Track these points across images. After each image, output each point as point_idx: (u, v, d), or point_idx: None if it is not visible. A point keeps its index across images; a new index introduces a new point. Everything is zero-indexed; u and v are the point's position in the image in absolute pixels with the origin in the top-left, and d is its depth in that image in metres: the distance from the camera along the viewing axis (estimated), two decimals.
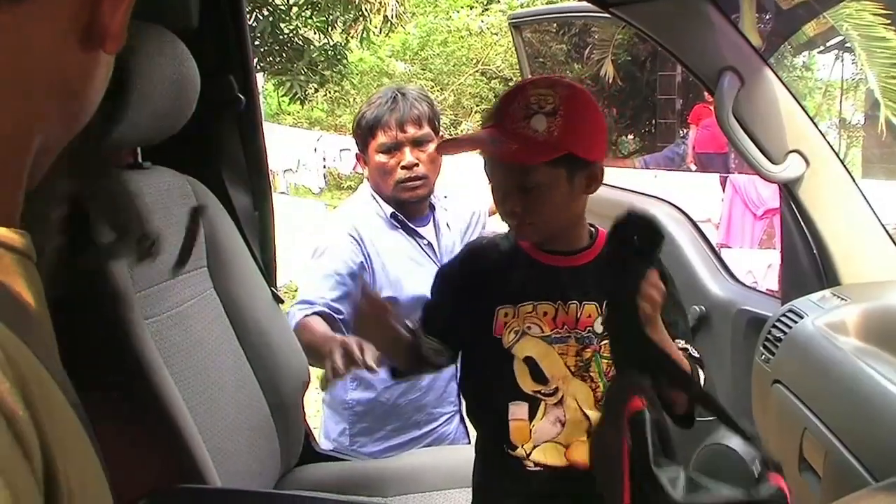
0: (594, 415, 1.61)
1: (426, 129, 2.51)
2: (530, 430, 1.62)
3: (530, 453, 1.62)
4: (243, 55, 2.21)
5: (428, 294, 1.99)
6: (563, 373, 1.62)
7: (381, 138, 2.49)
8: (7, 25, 0.62)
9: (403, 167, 2.48)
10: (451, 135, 12.66)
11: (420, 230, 2.58)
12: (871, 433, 1.48)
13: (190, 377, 1.71)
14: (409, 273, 2.50)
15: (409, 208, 2.55)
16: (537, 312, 1.61)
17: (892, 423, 1.43)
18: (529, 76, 3.58)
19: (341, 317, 2.30)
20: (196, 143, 2.02)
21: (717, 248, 2.79)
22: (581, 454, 1.62)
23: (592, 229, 1.70)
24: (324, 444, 2.53)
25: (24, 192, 0.69)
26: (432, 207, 2.64)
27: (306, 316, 2.28)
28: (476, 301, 1.63)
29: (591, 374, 1.63)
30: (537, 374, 1.61)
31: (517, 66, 13.24)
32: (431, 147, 2.50)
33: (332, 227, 2.60)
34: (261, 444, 1.95)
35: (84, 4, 0.64)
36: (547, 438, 1.62)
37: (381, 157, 2.51)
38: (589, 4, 2.32)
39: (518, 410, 1.62)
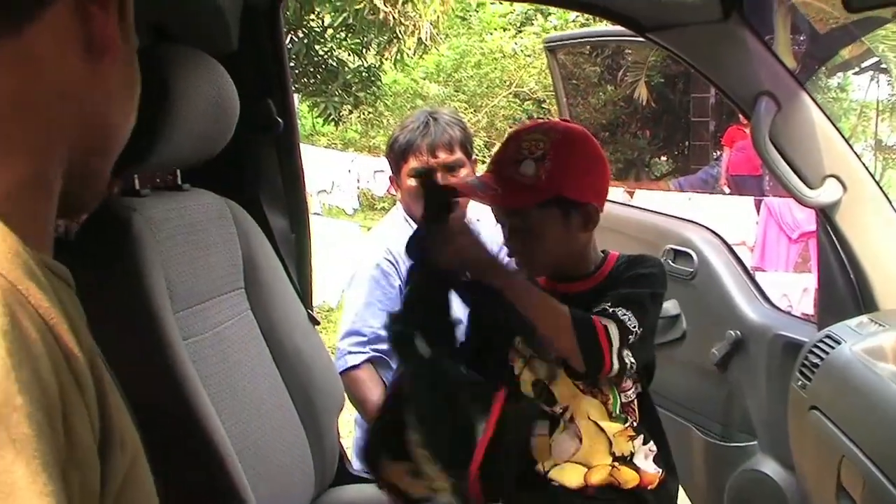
0: (609, 427, 1.66)
1: (458, 155, 2.50)
2: (550, 445, 1.66)
3: (549, 471, 1.64)
4: (282, 79, 2.24)
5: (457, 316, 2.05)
6: (572, 392, 1.67)
7: (413, 163, 2.48)
8: (18, 50, 0.65)
9: None
10: (484, 157, 12.70)
11: None
12: None
13: (226, 398, 1.72)
14: None
15: None
16: None
17: None
18: (564, 99, 3.60)
19: (386, 349, 2.30)
20: (234, 165, 2.05)
21: (752, 272, 2.78)
22: (601, 477, 1.64)
23: (602, 254, 1.75)
24: (356, 465, 2.54)
25: (53, 221, 0.71)
26: None
27: (356, 367, 2.34)
28: (490, 331, 1.72)
29: (602, 387, 1.67)
30: (546, 396, 1.67)
31: (551, 89, 13.28)
32: (463, 172, 2.50)
33: (367, 252, 2.60)
34: (295, 465, 1.96)
35: (77, 18, 0.67)
36: (568, 456, 1.66)
37: (413, 182, 2.46)
38: (624, 28, 2.32)
39: (538, 427, 1.67)
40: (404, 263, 2.43)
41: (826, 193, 2.07)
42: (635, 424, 1.69)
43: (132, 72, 0.77)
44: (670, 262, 2.74)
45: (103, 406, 0.61)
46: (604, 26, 3.76)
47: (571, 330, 1.55)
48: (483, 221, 2.68)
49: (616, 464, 1.66)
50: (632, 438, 1.68)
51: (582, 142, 1.67)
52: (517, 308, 1.57)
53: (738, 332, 2.49)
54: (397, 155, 2.54)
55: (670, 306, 2.73)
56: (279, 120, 2.18)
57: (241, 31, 2.03)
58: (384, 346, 2.30)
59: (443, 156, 2.48)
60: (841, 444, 1.70)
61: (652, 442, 1.72)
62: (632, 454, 1.68)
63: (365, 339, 2.35)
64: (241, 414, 1.77)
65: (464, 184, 1.66)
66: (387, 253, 2.47)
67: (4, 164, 0.65)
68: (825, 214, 2.11)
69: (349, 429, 3.05)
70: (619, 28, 2.45)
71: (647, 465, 1.70)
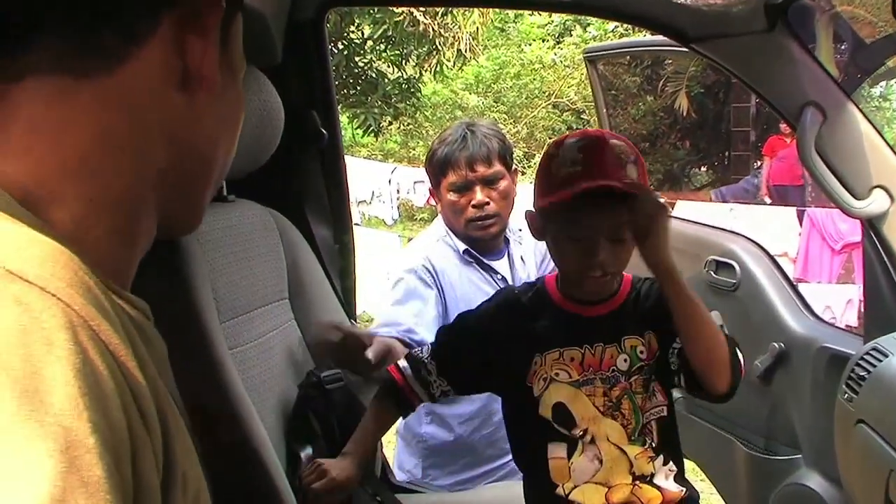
0: (630, 449, 1.65)
1: (497, 167, 2.47)
2: (569, 469, 1.66)
3: (570, 493, 1.64)
4: (326, 91, 2.26)
5: None
6: (592, 413, 1.66)
7: (452, 177, 2.46)
8: (109, 88, 0.65)
9: (474, 206, 2.45)
10: (523, 167, 12.69)
11: (494, 265, 2.56)
12: None
13: (270, 406, 1.74)
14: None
15: (483, 244, 2.53)
16: (564, 358, 1.67)
17: None
18: (604, 110, 3.59)
19: (416, 338, 2.29)
20: (279, 176, 2.07)
21: (795, 284, 2.75)
22: (623, 496, 1.64)
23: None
24: (398, 476, 2.55)
25: (140, 254, 0.73)
26: (507, 241, 2.62)
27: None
28: (509, 351, 1.69)
29: (623, 410, 1.67)
30: (566, 419, 1.66)
31: (590, 99, 13.25)
32: (503, 185, 2.48)
33: (407, 258, 2.60)
34: None
35: (173, 52, 0.68)
36: (587, 478, 1.66)
37: (453, 196, 2.48)
38: (665, 38, 2.32)
39: (556, 449, 1.66)
40: (443, 274, 2.44)
41: (874, 204, 2.04)
42: (654, 445, 1.68)
43: (235, 101, 0.77)
44: (712, 273, 2.72)
45: (168, 444, 0.61)
46: (644, 36, 3.75)
47: (724, 342, 1.61)
48: (525, 231, 2.69)
49: (638, 482, 1.66)
50: (652, 459, 1.67)
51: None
52: (687, 314, 1.60)
53: (782, 345, 2.47)
54: (436, 169, 2.53)
55: (713, 318, 2.72)
56: (324, 132, 2.20)
57: (286, 44, 2.05)
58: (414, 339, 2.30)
59: (481, 169, 2.45)
60: (889, 459, 1.68)
61: (672, 462, 1.72)
62: (652, 474, 1.67)
63: (393, 329, 2.34)
64: (285, 423, 1.79)
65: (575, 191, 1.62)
66: (426, 261, 2.46)
67: (90, 202, 0.65)
68: (872, 225, 2.09)
69: (388, 439, 3.07)
70: (659, 38, 2.45)
71: (669, 483, 1.69)
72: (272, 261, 1.90)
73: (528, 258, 2.67)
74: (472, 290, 2.48)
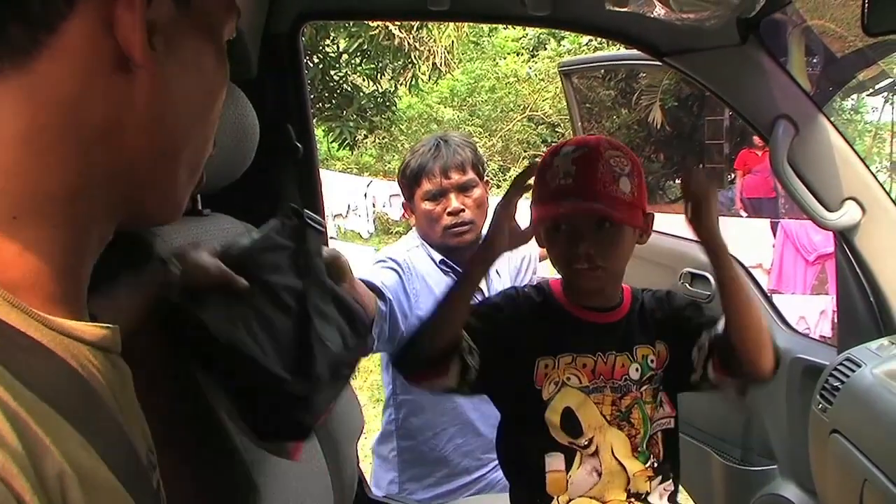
0: (631, 465, 1.65)
1: (470, 175, 2.52)
2: (567, 481, 1.65)
3: None
4: (301, 104, 2.26)
5: None
6: (599, 422, 1.65)
7: (426, 185, 2.50)
8: (33, 82, 0.60)
9: (450, 213, 2.49)
10: (498, 181, 12.72)
11: None
12: None
13: None
14: None
15: (459, 254, 2.54)
16: (576, 364, 1.66)
17: None
18: (579, 123, 3.61)
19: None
20: (255, 190, 2.06)
21: (769, 295, 2.77)
22: None
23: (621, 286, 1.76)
24: (375, 493, 2.54)
25: (88, 271, 0.67)
26: None
27: None
28: (513, 352, 1.67)
29: (633, 420, 1.67)
30: (573, 425, 1.64)
31: (565, 113, 13.30)
32: (477, 192, 2.52)
33: (389, 251, 2.62)
34: (315, 489, 1.95)
35: (101, 32, 0.61)
36: (583, 491, 1.65)
37: (428, 205, 2.52)
38: (639, 52, 2.34)
39: (554, 461, 1.65)
40: (421, 279, 2.46)
41: (845, 216, 2.07)
42: (656, 465, 1.68)
43: (212, 68, 0.71)
44: (687, 285, 2.74)
45: None
46: (618, 50, 3.77)
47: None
48: None
49: (632, 499, 1.66)
50: (650, 479, 1.67)
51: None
52: (734, 290, 1.61)
53: None
54: (410, 180, 2.56)
55: None
56: (299, 145, 2.19)
57: (261, 57, 2.04)
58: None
59: (455, 176, 2.49)
60: (863, 468, 1.69)
61: (670, 480, 1.72)
62: (647, 493, 1.67)
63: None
64: None
65: (559, 210, 1.62)
66: (407, 257, 2.51)
67: (20, 223, 0.60)
68: (844, 237, 2.11)
69: (364, 453, 3.06)
70: (633, 52, 2.46)
71: (661, 503, 1.70)
72: None
73: (503, 271, 2.69)
74: None
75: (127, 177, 0.66)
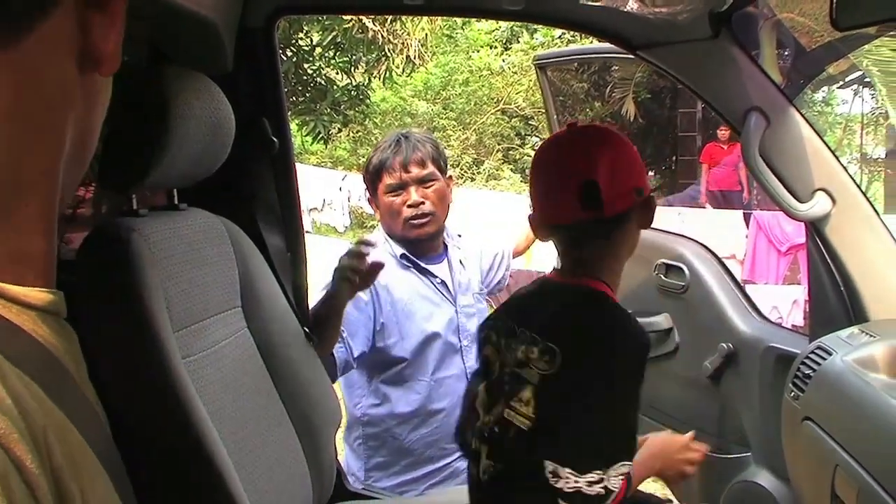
0: None
1: (430, 169, 2.61)
2: None
3: None
4: (277, 99, 2.26)
5: (437, 332, 2.39)
6: None
7: (387, 179, 2.61)
8: (17, 63, 0.61)
9: (410, 205, 2.58)
10: (472, 174, 12.73)
11: (432, 269, 2.66)
12: None
13: (225, 415, 1.73)
14: (420, 310, 2.59)
15: (421, 247, 2.64)
16: None
17: None
18: (555, 116, 3.63)
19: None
20: (230, 184, 2.07)
21: (742, 285, 2.81)
22: None
23: None
24: (353, 485, 2.56)
25: (55, 239, 0.68)
26: (446, 247, 2.72)
27: None
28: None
29: None
30: None
31: (538, 105, 13.33)
32: (436, 185, 2.61)
33: None
34: (294, 482, 1.96)
35: (77, 29, 0.64)
36: None
37: (389, 198, 2.62)
38: (613, 46, 2.36)
39: None
40: (380, 281, 2.48)
41: (816, 207, 2.10)
42: None
43: (110, 83, 0.74)
44: (662, 276, 2.77)
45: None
46: (592, 43, 3.79)
47: None
48: (466, 237, 2.75)
49: None
50: None
51: None
52: None
53: (731, 345, 2.51)
54: (372, 175, 2.67)
55: (662, 320, 2.76)
56: (274, 140, 2.20)
57: (236, 51, 2.04)
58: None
59: (415, 170, 2.60)
60: (834, 454, 1.72)
61: None
62: None
63: None
64: (240, 431, 1.78)
65: None
66: None
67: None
68: (815, 227, 2.14)
69: (341, 446, 3.08)
70: (608, 45, 2.49)
71: None
72: (224, 269, 1.89)
73: (470, 263, 2.75)
74: (410, 293, 2.60)
75: (69, 168, 0.68)
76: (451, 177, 2.75)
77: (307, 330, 2.22)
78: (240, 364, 1.88)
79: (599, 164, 1.58)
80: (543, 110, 12.11)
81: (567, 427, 1.53)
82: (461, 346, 2.62)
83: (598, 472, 1.48)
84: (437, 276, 2.66)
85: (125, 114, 1.63)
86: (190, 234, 1.81)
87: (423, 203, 2.59)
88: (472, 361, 2.49)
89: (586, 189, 1.56)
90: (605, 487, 1.48)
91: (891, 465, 1.53)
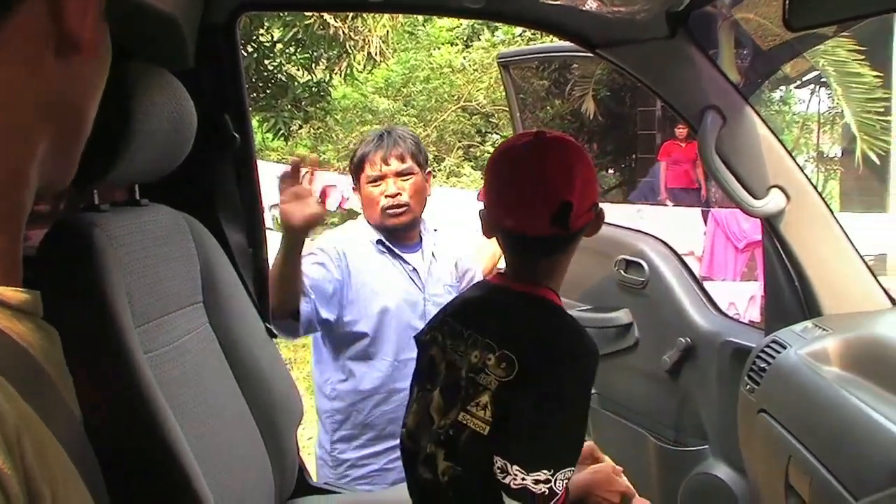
0: None
1: (409, 163, 2.75)
2: None
3: None
4: (238, 95, 2.26)
5: (402, 313, 2.53)
6: None
7: (368, 171, 2.75)
8: None
9: (387, 196, 2.72)
10: (433, 171, 12.71)
11: (406, 256, 2.80)
12: (855, 459, 1.52)
13: (187, 411, 1.73)
14: (387, 291, 2.73)
15: (398, 235, 2.79)
16: None
17: (875, 448, 1.48)
18: (518, 114, 3.66)
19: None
20: (192, 180, 2.06)
21: (700, 281, 2.85)
22: None
23: None
24: (319, 452, 2.82)
25: (21, 239, 0.67)
26: (422, 238, 2.86)
27: None
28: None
29: None
30: None
31: (499, 103, 13.34)
32: (414, 179, 2.75)
33: (321, 242, 2.85)
34: (256, 476, 1.97)
35: (49, 15, 0.63)
36: None
37: (369, 188, 2.76)
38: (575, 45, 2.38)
39: None
40: (353, 260, 2.73)
41: (771, 203, 2.14)
42: None
43: (107, 52, 0.74)
44: (622, 271, 2.81)
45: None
46: (554, 42, 3.81)
47: None
48: (440, 231, 2.82)
49: None
50: None
51: None
52: None
53: (689, 339, 2.55)
54: (356, 166, 2.81)
55: (622, 315, 2.81)
56: (236, 135, 2.20)
57: (198, 47, 2.04)
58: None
59: (394, 164, 2.74)
60: (789, 445, 1.76)
61: None
62: None
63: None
64: (202, 427, 1.78)
65: None
66: (337, 249, 2.74)
67: None
68: (770, 224, 2.18)
69: (305, 442, 3.09)
70: (571, 44, 2.51)
71: None
72: (186, 265, 1.89)
73: (444, 259, 2.89)
74: (380, 275, 2.75)
75: (50, 155, 0.68)
76: (430, 172, 2.91)
77: (269, 326, 2.23)
78: (202, 360, 1.88)
79: (575, 184, 1.59)
80: (505, 108, 12.08)
81: (521, 430, 1.56)
82: None
83: (546, 472, 1.51)
84: (409, 264, 2.79)
85: None
86: (152, 229, 1.80)
87: (399, 194, 2.74)
88: None
89: (563, 209, 1.57)
90: (551, 488, 1.51)
91: (842, 455, 1.57)
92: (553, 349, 1.60)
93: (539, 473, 1.51)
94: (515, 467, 1.52)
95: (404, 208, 2.74)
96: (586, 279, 2.94)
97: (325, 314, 2.66)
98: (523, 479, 1.51)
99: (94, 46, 0.67)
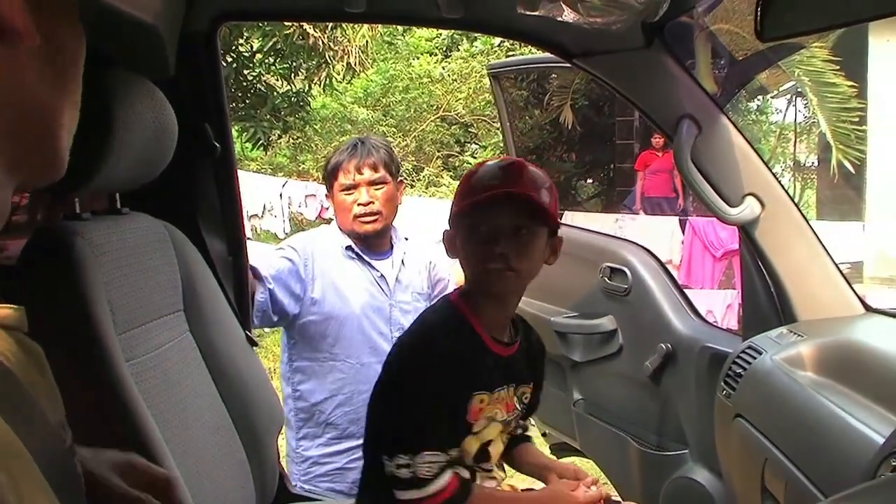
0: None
1: (382, 173, 2.80)
2: None
3: None
4: (219, 104, 2.27)
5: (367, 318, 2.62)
6: (500, 450, 1.80)
7: (342, 179, 2.80)
8: None
9: (360, 204, 2.78)
10: (412, 181, 12.73)
11: (375, 263, 2.86)
12: (829, 462, 1.55)
13: (169, 418, 1.73)
14: (353, 296, 2.80)
15: (368, 242, 2.85)
16: (500, 398, 1.75)
17: (848, 451, 1.50)
18: (508, 124, 3.71)
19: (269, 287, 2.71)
20: (173, 189, 2.07)
21: (681, 287, 2.88)
22: None
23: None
24: (287, 449, 2.91)
25: None
26: (392, 246, 2.92)
27: None
28: (455, 389, 1.69)
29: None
30: (485, 454, 1.76)
31: (478, 113, 13.35)
32: (386, 188, 2.81)
33: (293, 240, 2.94)
34: (237, 484, 1.97)
35: None
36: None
37: (342, 196, 2.82)
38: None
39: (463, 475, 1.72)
40: (321, 262, 2.80)
41: (746, 211, 2.17)
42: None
43: (66, 50, 0.72)
44: (607, 279, 2.83)
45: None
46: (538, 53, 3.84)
47: None
48: (411, 240, 2.86)
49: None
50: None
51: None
52: None
53: (669, 345, 2.57)
54: (330, 174, 2.87)
55: (607, 322, 2.82)
56: (216, 144, 2.21)
57: (178, 56, 2.05)
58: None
59: (367, 173, 2.80)
60: (764, 448, 1.78)
61: None
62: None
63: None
64: (183, 434, 1.78)
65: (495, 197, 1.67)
66: (306, 246, 2.84)
67: None
68: (745, 231, 2.21)
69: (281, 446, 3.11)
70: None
71: None
72: (166, 273, 1.90)
73: (415, 267, 2.95)
74: (347, 279, 2.82)
75: (19, 147, 0.68)
76: (402, 181, 2.97)
77: (248, 333, 2.23)
78: (183, 367, 1.89)
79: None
80: (483, 118, 12.06)
81: (379, 422, 1.74)
82: (392, 337, 2.81)
83: (405, 457, 1.62)
84: (378, 270, 2.85)
85: None
86: (133, 238, 1.81)
87: (372, 203, 2.79)
88: None
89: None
90: (415, 473, 1.62)
91: (817, 458, 1.59)
92: (404, 345, 1.75)
93: (398, 459, 1.63)
94: (384, 456, 1.66)
95: (376, 216, 2.80)
96: (573, 287, 2.96)
97: (286, 305, 2.74)
98: (389, 466, 1.65)
99: (31, 33, 0.64)
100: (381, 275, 2.85)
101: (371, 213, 2.79)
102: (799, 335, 2.03)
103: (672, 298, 2.70)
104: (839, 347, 1.93)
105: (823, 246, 2.22)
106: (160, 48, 1.96)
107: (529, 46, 2.62)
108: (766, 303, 2.26)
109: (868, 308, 2.21)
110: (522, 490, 1.89)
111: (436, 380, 1.66)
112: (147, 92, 1.77)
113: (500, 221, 1.65)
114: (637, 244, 2.98)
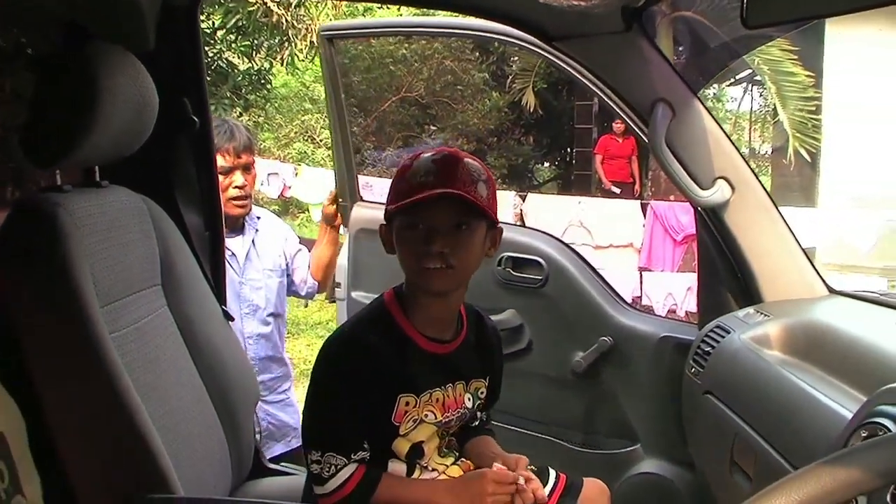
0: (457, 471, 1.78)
1: (253, 157, 2.99)
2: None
3: None
4: (197, 78, 2.26)
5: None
6: (435, 446, 1.78)
7: (221, 161, 2.80)
8: None
9: (236, 187, 2.92)
10: (373, 161, 12.70)
11: (228, 242, 2.85)
12: (797, 434, 1.60)
13: (149, 391, 1.73)
14: None
15: (231, 221, 2.93)
16: (432, 399, 1.72)
17: (815, 424, 1.55)
18: (340, 95, 3.57)
19: None
20: (151, 162, 2.07)
21: (604, 277, 2.81)
22: None
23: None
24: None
25: None
26: (244, 225, 3.03)
27: None
28: (375, 389, 1.66)
29: (453, 445, 1.84)
30: (419, 455, 1.74)
31: (438, 94, 13.28)
32: (253, 171, 3.01)
33: None
34: (214, 457, 1.98)
35: None
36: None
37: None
38: (413, 19, 2.40)
39: (397, 468, 1.73)
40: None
41: (717, 194, 2.21)
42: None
43: None
44: (510, 270, 2.77)
45: None
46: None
47: None
48: (263, 218, 3.10)
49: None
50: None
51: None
52: None
53: (610, 338, 2.58)
54: None
55: (511, 316, 2.75)
56: (194, 118, 2.20)
57: (159, 30, 2.04)
58: None
59: (244, 157, 2.96)
60: (734, 424, 1.83)
61: None
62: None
63: None
64: (162, 408, 1.78)
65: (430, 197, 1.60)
66: None
67: None
68: (715, 213, 2.25)
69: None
70: (404, 19, 2.52)
71: None
72: (145, 247, 1.90)
73: (268, 245, 3.10)
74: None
75: None
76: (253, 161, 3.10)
77: (224, 308, 2.24)
78: (161, 341, 1.89)
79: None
80: (445, 98, 11.90)
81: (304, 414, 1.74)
82: (241, 314, 2.95)
83: (315, 452, 1.65)
84: (228, 249, 2.89)
85: (51, 88, 1.63)
86: (112, 211, 1.81)
87: (245, 186, 2.95)
88: (250, 328, 2.99)
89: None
90: (321, 470, 1.64)
91: (785, 431, 1.64)
92: (329, 342, 1.73)
93: (311, 454, 1.66)
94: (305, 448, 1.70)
95: (248, 200, 2.98)
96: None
97: None
98: (308, 459, 1.68)
99: None
100: (232, 253, 2.94)
101: (245, 197, 2.96)
102: (765, 315, 2.08)
103: (600, 289, 2.68)
104: (805, 327, 1.98)
105: (790, 229, 2.27)
106: (141, 21, 1.96)
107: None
108: (728, 286, 2.31)
109: (832, 290, 2.27)
110: None
111: (353, 379, 1.64)
112: (130, 63, 1.76)
113: (436, 221, 1.61)
114: (545, 232, 2.91)
